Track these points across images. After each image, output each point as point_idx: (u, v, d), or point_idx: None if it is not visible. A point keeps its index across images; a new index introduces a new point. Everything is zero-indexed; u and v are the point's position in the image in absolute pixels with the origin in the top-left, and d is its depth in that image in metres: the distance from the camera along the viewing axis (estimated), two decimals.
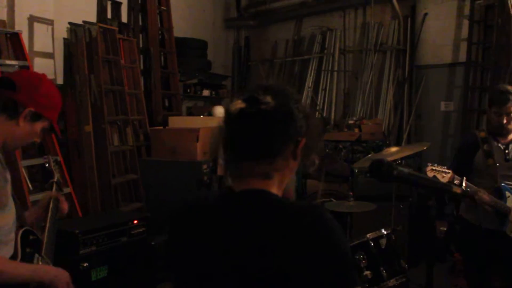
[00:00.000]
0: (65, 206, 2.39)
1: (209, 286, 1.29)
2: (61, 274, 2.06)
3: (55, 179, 2.49)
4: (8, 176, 2.02)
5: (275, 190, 1.32)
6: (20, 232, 2.08)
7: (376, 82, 7.65)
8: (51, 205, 2.30)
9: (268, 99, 1.28)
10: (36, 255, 2.11)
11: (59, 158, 4.81)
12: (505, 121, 3.31)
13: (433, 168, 3.32)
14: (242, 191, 1.30)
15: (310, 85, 8.25)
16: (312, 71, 8.32)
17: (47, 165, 2.51)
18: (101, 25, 5.51)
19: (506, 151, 3.37)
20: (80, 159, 5.32)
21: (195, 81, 8.04)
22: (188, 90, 7.68)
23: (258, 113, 1.26)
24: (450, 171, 3.25)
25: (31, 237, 2.13)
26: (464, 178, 3.18)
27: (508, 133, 3.40)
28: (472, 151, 3.41)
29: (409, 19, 7.39)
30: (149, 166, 5.88)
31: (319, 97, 8.11)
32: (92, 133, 5.24)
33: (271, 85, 1.35)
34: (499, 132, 3.39)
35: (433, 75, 7.27)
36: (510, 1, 6.20)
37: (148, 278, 4.10)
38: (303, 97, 8.16)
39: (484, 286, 3.64)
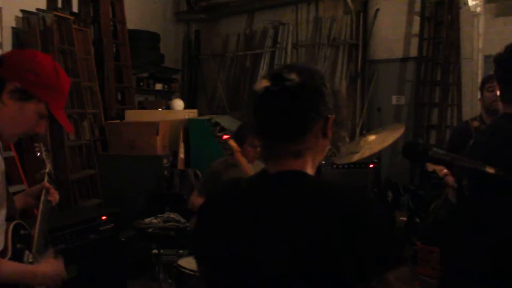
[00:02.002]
0: (56, 197, 2.21)
1: (249, 270, 1.26)
2: (57, 275, 1.93)
3: (47, 170, 2.30)
4: (3, 166, 1.85)
5: (309, 170, 1.30)
6: (11, 225, 1.90)
7: (329, 76, 7.71)
8: (42, 197, 2.13)
9: (293, 76, 1.25)
10: (27, 252, 1.94)
11: (12, 153, 4.56)
12: (498, 93, 3.41)
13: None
14: (277, 173, 1.28)
15: None
16: (264, 66, 8.28)
17: (38, 154, 2.32)
18: (56, 13, 5.25)
19: None
20: (34, 153, 5.04)
21: (146, 74, 7.85)
22: (141, 84, 7.48)
23: (283, 90, 1.24)
24: None
25: (22, 231, 1.94)
26: None
27: (499, 111, 3.47)
28: (464, 139, 3.47)
29: (361, 14, 7.51)
30: (107, 161, 5.69)
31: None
32: (48, 127, 4.98)
33: (296, 64, 1.36)
34: (496, 107, 3.44)
35: (385, 69, 7.43)
36: None
37: (119, 275, 3.96)
38: None
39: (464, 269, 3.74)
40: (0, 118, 1.80)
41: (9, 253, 1.85)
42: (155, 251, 4.47)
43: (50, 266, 1.94)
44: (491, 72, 3.56)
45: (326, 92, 1.29)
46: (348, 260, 1.14)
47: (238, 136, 3.08)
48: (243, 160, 2.80)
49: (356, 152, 4.36)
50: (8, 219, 1.91)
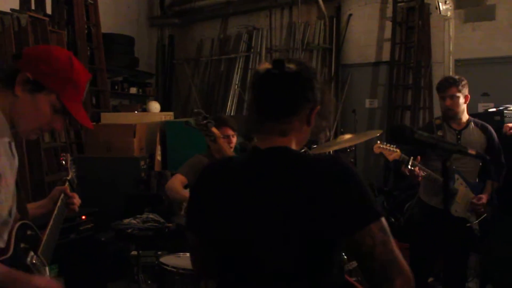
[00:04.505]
0: (76, 203, 2.20)
1: (248, 235, 1.40)
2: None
3: (69, 177, 2.29)
4: (16, 163, 1.82)
5: (293, 147, 1.47)
6: (17, 225, 1.84)
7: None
8: (59, 202, 2.12)
9: (292, 65, 1.44)
10: (31, 253, 1.87)
11: None
12: (448, 103, 3.54)
13: (381, 146, 3.50)
14: (268, 148, 1.45)
15: (237, 82, 8.27)
16: (239, 70, 8.34)
17: (64, 163, 2.33)
18: (31, 14, 5.19)
19: (459, 136, 3.58)
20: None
21: (120, 78, 7.80)
22: (116, 87, 7.44)
23: (282, 74, 1.42)
24: (397, 150, 3.44)
25: (28, 232, 1.90)
26: (411, 157, 3.37)
27: (457, 117, 3.60)
28: None
29: (334, 19, 7.63)
30: (83, 163, 5.59)
31: (246, 95, 8.14)
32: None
33: (294, 58, 1.60)
34: (448, 115, 3.61)
35: (358, 73, 7.55)
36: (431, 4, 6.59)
37: (99, 276, 3.92)
38: (231, 94, 8.20)
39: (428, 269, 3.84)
40: (14, 112, 1.76)
41: (10, 252, 1.78)
42: (134, 252, 4.45)
43: (46, 281, 1.84)
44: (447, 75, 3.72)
45: (316, 85, 1.47)
46: (333, 218, 1.30)
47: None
48: (225, 146, 3.03)
49: (329, 146, 4.53)
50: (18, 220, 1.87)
